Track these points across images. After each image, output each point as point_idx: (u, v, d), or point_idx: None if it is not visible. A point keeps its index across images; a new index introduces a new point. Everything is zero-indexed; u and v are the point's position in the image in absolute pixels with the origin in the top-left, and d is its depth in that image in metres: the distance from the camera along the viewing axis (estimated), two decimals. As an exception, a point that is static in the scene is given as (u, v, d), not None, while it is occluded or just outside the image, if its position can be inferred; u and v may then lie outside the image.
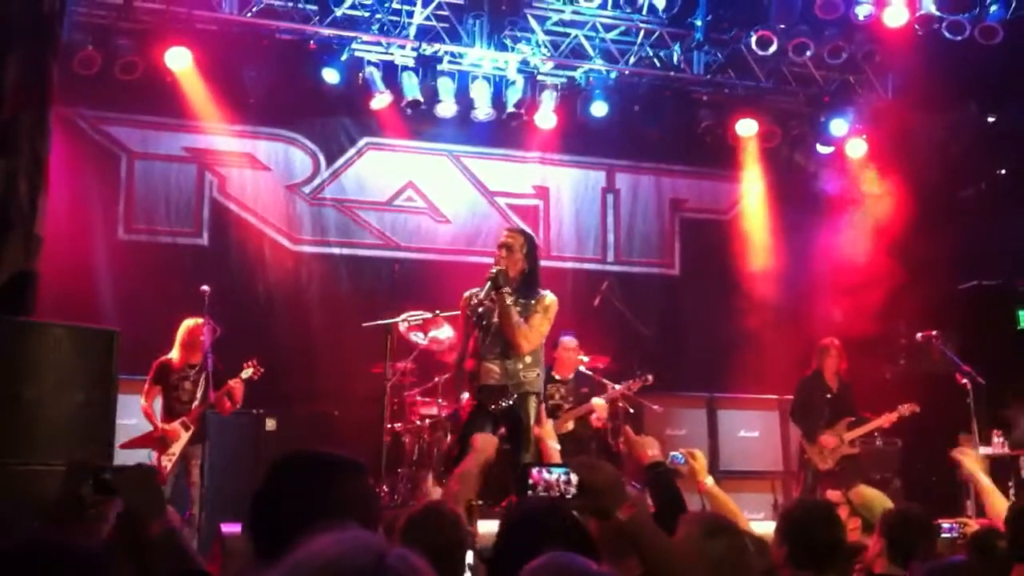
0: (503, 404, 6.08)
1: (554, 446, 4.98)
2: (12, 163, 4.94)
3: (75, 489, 2.60)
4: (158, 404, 7.80)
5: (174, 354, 7.79)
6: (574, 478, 2.88)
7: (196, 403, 7.73)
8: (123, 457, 6.33)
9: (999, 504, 4.63)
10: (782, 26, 9.55)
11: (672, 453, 3.96)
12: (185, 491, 7.61)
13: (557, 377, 8.50)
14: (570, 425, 8.39)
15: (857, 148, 10.53)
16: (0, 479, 3.94)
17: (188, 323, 7.78)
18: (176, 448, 7.64)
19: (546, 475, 2.92)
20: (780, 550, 3.37)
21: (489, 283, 6.08)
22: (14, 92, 4.99)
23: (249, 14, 9.09)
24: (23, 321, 4.58)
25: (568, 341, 8.50)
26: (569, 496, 2.86)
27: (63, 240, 7.93)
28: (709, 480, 3.88)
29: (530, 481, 2.91)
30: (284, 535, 1.86)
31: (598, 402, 8.36)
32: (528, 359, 6.19)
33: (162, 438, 7.62)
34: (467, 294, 6.33)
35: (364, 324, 7.89)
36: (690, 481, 3.91)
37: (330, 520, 2.07)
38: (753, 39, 9.58)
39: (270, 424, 8.12)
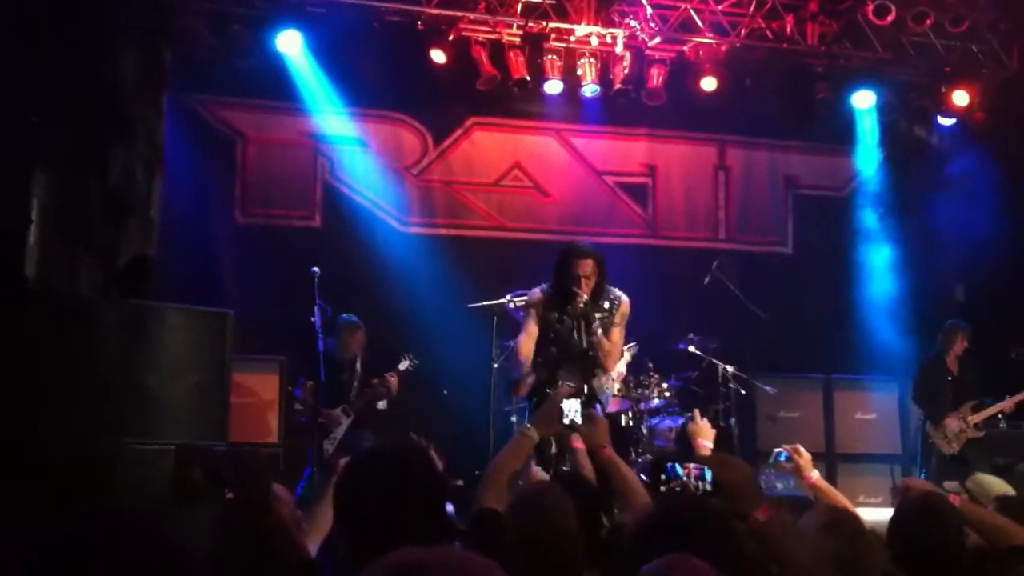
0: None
1: (709, 444, 4.69)
2: (130, 151, 5.10)
3: (187, 474, 2.65)
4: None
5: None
6: (708, 475, 2.77)
7: (354, 392, 8.19)
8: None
9: None
10: (901, -6, 9.22)
11: (776, 450, 3.87)
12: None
13: None
14: None
15: (980, 121, 10.10)
16: (117, 458, 4.08)
17: (339, 323, 8.17)
18: (338, 433, 8.04)
19: (679, 471, 2.82)
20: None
21: (581, 320, 6.01)
22: (132, 84, 5.13)
23: (358, -4, 9.20)
24: (141, 304, 4.73)
25: None
26: (702, 494, 2.75)
27: (183, 224, 8.18)
28: (815, 474, 3.77)
29: (663, 477, 2.82)
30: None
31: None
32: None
33: (324, 424, 7.91)
34: (538, 298, 6.23)
35: (470, 305, 7.93)
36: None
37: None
38: (870, 8, 9.27)
39: (381, 404, 8.25)
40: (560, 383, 5.97)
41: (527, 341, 6.18)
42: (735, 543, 2.34)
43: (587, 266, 6.05)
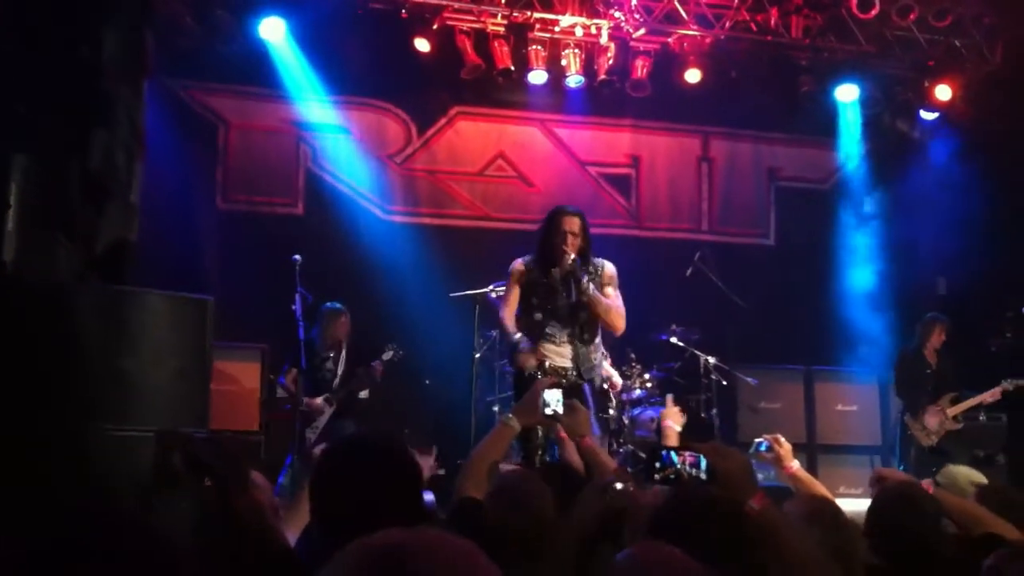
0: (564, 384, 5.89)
1: (675, 427, 4.63)
2: (110, 134, 5.05)
3: (166, 459, 2.60)
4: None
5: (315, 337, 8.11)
6: (703, 463, 2.73)
7: (338, 381, 8.15)
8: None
9: None
10: (885, -13, 9.23)
11: (756, 440, 3.86)
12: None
13: None
14: None
15: (962, 115, 10.13)
16: (97, 444, 4.04)
17: (322, 311, 8.12)
18: (320, 422, 8.01)
19: (675, 458, 2.78)
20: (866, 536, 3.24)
21: (571, 277, 5.86)
22: (112, 65, 5.08)
23: (342, -17, 9.14)
24: (120, 289, 4.69)
25: None
26: (696, 482, 2.71)
27: (164, 210, 8.13)
28: (795, 464, 3.76)
29: (657, 464, 2.79)
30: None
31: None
32: (597, 340, 6.05)
33: (306, 412, 7.89)
34: (520, 268, 6.03)
35: (452, 294, 7.91)
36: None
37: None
38: (854, 2, 9.28)
39: (363, 393, 8.23)
40: (547, 364, 5.88)
41: (509, 312, 6.01)
42: (741, 535, 2.30)
43: (574, 223, 5.96)
